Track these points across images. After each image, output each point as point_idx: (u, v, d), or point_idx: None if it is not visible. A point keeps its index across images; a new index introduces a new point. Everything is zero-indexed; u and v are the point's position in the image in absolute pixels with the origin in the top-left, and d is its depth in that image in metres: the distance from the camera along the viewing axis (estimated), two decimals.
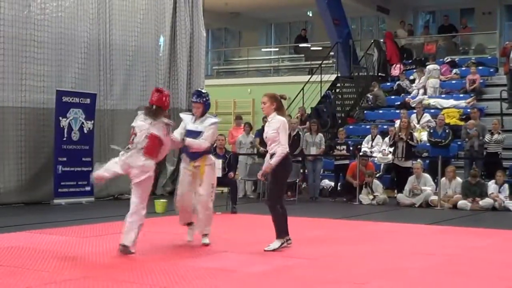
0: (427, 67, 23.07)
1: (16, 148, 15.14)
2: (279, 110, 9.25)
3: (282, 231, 9.28)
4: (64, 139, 15.51)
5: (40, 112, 15.61)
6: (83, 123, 15.86)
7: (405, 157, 17.16)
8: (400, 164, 17.32)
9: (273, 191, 9.36)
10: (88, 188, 15.93)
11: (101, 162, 9.22)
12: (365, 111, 23.16)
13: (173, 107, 18.57)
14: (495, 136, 17.18)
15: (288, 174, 9.48)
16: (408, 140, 17.11)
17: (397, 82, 23.69)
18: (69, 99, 15.60)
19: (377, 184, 16.82)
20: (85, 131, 15.93)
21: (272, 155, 9.16)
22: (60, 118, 15.46)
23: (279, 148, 9.07)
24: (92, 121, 16.07)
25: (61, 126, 15.48)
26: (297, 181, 17.26)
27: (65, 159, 15.52)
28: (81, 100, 15.85)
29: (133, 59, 17.63)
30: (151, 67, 18.10)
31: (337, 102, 24.50)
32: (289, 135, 17.91)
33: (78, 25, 16.31)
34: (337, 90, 24.99)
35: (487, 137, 17.28)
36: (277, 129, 9.07)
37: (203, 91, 9.73)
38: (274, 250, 9.06)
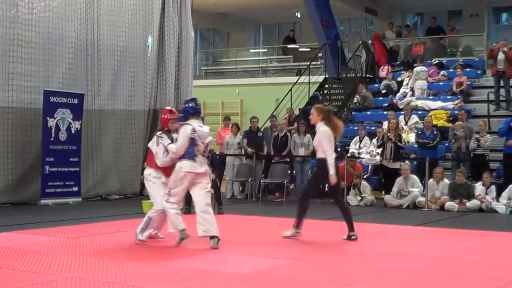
0: (415, 68, 23.11)
1: (3, 148, 15.08)
2: (326, 120, 10.63)
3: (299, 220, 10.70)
4: (52, 139, 15.45)
5: (27, 112, 15.55)
6: (70, 123, 15.80)
7: (393, 159, 17.18)
8: (388, 165, 17.34)
9: (307, 188, 11.56)
10: (75, 189, 15.89)
11: None
12: (353, 112, 23.19)
13: (161, 108, 18.56)
14: (481, 143, 17.17)
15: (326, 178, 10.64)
16: (396, 142, 17.13)
17: (384, 82, 23.71)
18: (56, 99, 15.54)
19: (365, 185, 16.84)
20: (73, 131, 15.88)
21: (317, 160, 10.68)
22: (48, 118, 15.40)
23: (328, 157, 10.34)
24: (80, 121, 16.02)
25: (49, 126, 15.42)
26: (285, 182, 17.26)
27: (52, 159, 15.46)
28: (69, 100, 15.80)
29: (121, 59, 17.59)
30: (139, 67, 18.05)
31: (325, 103, 24.47)
32: (277, 136, 18.09)
33: (66, 25, 16.26)
34: (325, 91, 25.03)
35: (472, 143, 17.21)
36: (318, 138, 10.51)
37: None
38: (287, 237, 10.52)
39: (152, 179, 9.87)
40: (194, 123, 9.43)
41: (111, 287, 6.85)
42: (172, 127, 9.89)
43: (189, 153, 9.30)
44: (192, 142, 9.30)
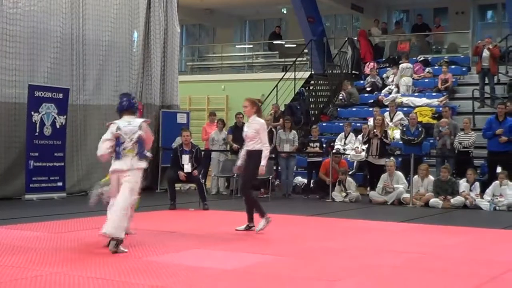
0: (400, 65, 23.18)
1: None
2: (258, 113, 10.93)
3: (262, 211, 10.74)
4: (36, 134, 15.39)
5: (12, 107, 15.47)
6: (55, 118, 15.74)
7: (378, 155, 17.23)
8: (374, 161, 17.39)
9: (248, 181, 11.04)
10: (60, 184, 15.86)
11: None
12: (338, 109, 23.22)
13: (146, 103, 18.56)
14: (465, 143, 17.21)
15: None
16: (382, 138, 17.17)
17: (370, 80, 23.76)
18: (41, 94, 15.48)
19: (350, 181, 16.88)
20: (58, 126, 15.82)
21: (249, 152, 10.75)
22: (32, 113, 15.33)
23: (264, 148, 10.71)
24: (65, 116, 15.96)
25: (33, 121, 15.35)
26: (270, 178, 17.27)
27: (37, 154, 15.40)
28: (54, 95, 15.74)
29: (107, 54, 17.53)
30: (125, 62, 18.00)
31: (310, 99, 24.55)
32: None
33: (51, 19, 16.19)
34: (311, 88, 25.06)
35: (457, 142, 17.27)
36: (257, 130, 10.69)
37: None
38: (262, 228, 10.65)
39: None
40: (122, 120, 9.05)
41: (95, 282, 6.83)
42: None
43: (116, 152, 8.97)
44: (118, 140, 8.94)
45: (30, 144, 15.32)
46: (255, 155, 10.69)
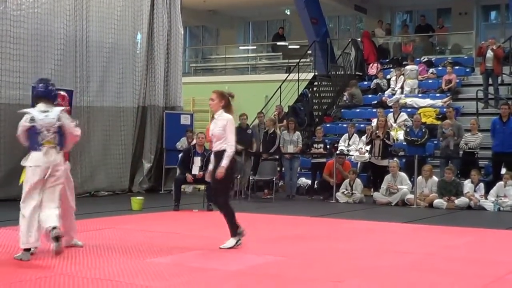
0: (406, 67, 23.18)
1: None
2: (227, 107, 9.32)
3: (236, 229, 9.19)
4: None
5: (16, 109, 15.37)
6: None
7: (381, 156, 17.22)
8: (377, 162, 17.38)
9: (223, 189, 9.29)
10: None
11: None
12: (342, 110, 23.22)
13: (150, 104, 18.58)
14: (471, 144, 17.22)
15: (235, 171, 9.45)
16: (384, 139, 17.17)
17: (375, 81, 23.77)
18: None
19: (358, 182, 16.81)
20: None
21: (217, 153, 9.16)
22: None
23: (228, 147, 9.07)
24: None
25: None
26: (274, 179, 17.29)
27: None
28: None
29: (110, 56, 17.54)
30: (128, 64, 18.02)
31: (314, 100, 24.55)
32: (266, 133, 18.09)
33: (54, 21, 16.20)
34: (315, 89, 25.05)
35: (463, 143, 17.27)
36: (223, 127, 9.12)
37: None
38: (229, 248, 9.03)
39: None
40: (36, 109, 8.34)
41: (100, 284, 6.83)
42: None
43: (32, 143, 8.33)
44: (33, 130, 8.24)
45: None
46: (222, 157, 9.08)
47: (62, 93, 9.47)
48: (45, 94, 8.46)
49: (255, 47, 33.23)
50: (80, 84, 16.83)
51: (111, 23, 17.56)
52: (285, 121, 19.43)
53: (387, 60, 25.92)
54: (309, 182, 18.67)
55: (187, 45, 33.05)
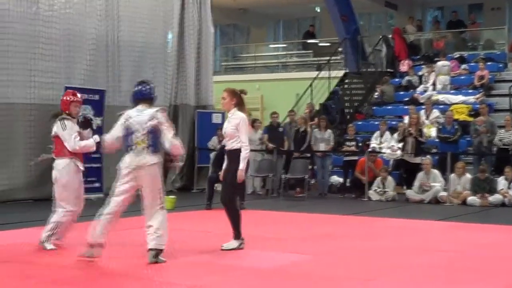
0: (437, 63, 23.02)
1: (25, 145, 15.17)
2: (240, 105, 9.11)
3: (239, 231, 9.01)
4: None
5: (48, 109, 15.53)
6: (91, 119, 15.85)
7: (414, 153, 17.11)
8: (409, 160, 17.28)
9: (232, 190, 9.11)
10: (97, 184, 15.97)
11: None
12: (373, 107, 23.12)
13: (181, 103, 18.65)
14: (506, 140, 17.06)
15: (246, 173, 9.28)
16: (417, 136, 17.06)
17: (406, 78, 23.63)
18: None
19: (390, 180, 16.72)
20: (94, 128, 15.92)
21: (230, 152, 9.02)
22: None
23: (242, 148, 8.91)
24: (101, 118, 16.07)
25: None
26: (306, 178, 17.26)
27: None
28: (90, 97, 15.85)
29: (141, 56, 17.64)
30: (159, 63, 18.10)
31: (345, 98, 24.45)
32: (297, 131, 18.06)
33: (86, 22, 16.33)
34: (346, 86, 24.94)
35: (497, 139, 17.13)
36: (236, 126, 8.94)
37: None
38: (231, 249, 8.88)
39: (67, 170, 8.99)
40: (134, 109, 8.32)
41: (135, 282, 6.87)
42: (74, 110, 9.04)
43: (126, 144, 8.17)
44: (128, 131, 8.14)
45: None
46: (234, 157, 8.91)
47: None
48: (144, 95, 8.42)
49: (285, 45, 33.19)
50: (111, 83, 16.93)
51: (142, 22, 17.65)
52: (316, 119, 19.38)
53: (418, 57, 25.74)
54: (341, 180, 18.62)
55: (218, 43, 33.07)
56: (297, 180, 17.82)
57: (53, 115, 9.15)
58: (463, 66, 23.51)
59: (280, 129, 18.29)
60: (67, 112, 8.96)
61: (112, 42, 16.98)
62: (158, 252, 7.88)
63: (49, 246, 8.64)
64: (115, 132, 8.23)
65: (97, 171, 16.04)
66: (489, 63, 22.95)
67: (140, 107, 8.31)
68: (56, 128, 8.87)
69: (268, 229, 10.96)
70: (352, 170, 17.87)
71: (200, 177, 18.22)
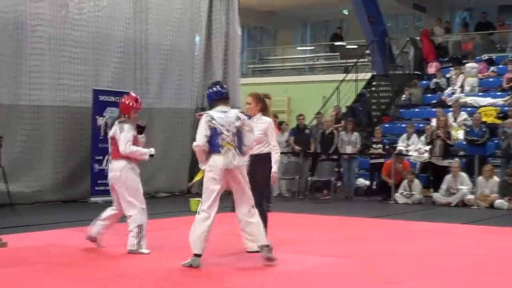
0: (466, 65, 22.89)
1: (54, 147, 15.32)
2: (264, 110, 9.19)
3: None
4: (101, 137, 15.61)
5: (77, 111, 15.77)
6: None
7: (442, 156, 17.03)
8: (437, 162, 17.20)
9: (262, 193, 9.02)
10: None
11: None
12: (400, 110, 23.04)
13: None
14: None
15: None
16: (445, 139, 16.98)
17: (434, 80, 23.52)
18: (105, 98, 15.72)
19: (416, 183, 16.65)
20: None
21: (256, 156, 8.96)
22: (97, 117, 15.59)
23: (273, 152, 9.00)
24: None
25: (98, 124, 15.60)
26: (332, 180, 17.25)
27: (101, 157, 15.62)
28: (117, 99, 15.84)
29: (169, 58, 17.72)
30: (187, 66, 18.17)
31: (372, 100, 24.40)
32: (323, 133, 18.06)
33: (114, 25, 16.44)
34: (373, 89, 24.90)
35: None
36: (264, 130, 9.00)
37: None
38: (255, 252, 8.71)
39: (127, 171, 8.91)
40: (214, 110, 8.13)
41: (160, 284, 6.92)
42: (133, 116, 9.03)
43: (214, 145, 7.94)
44: (214, 132, 7.94)
45: (95, 147, 15.57)
46: (263, 160, 9.00)
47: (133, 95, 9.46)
48: (222, 95, 8.30)
49: (313, 48, 33.19)
50: (139, 86, 17.02)
51: (169, 25, 17.74)
52: (343, 122, 19.36)
53: (446, 59, 25.62)
54: (368, 182, 18.59)
55: (245, 46, 33.13)
56: (323, 183, 17.82)
57: (114, 119, 9.19)
58: (492, 68, 23.37)
59: (307, 131, 18.30)
60: (126, 116, 9.00)
61: (140, 45, 17.09)
62: (270, 246, 8.03)
63: (145, 250, 8.69)
64: (204, 134, 7.98)
65: None
66: None
67: (221, 107, 8.16)
68: (114, 130, 8.90)
69: (295, 232, 10.96)
70: (378, 172, 17.83)
71: None
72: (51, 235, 10.13)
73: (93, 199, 15.37)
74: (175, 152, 17.80)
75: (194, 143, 8.05)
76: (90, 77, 15.95)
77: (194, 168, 18.11)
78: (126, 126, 8.85)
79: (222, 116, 8.03)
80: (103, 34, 16.21)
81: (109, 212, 9.19)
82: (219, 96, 8.27)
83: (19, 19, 14.75)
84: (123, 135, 8.80)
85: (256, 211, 8.18)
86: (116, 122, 8.96)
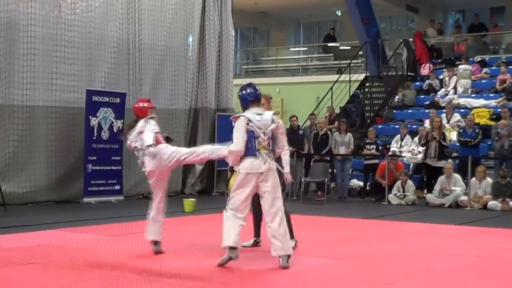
0: (459, 66, 22.92)
1: (47, 147, 15.29)
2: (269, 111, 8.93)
3: (292, 232, 9.03)
4: (94, 138, 15.61)
5: (70, 112, 15.74)
6: (112, 122, 15.95)
7: (437, 157, 17.04)
8: (432, 164, 17.21)
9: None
10: (117, 187, 16.06)
11: None
12: (394, 111, 23.07)
13: (202, 107, 18.70)
14: None
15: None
16: (440, 140, 17.00)
17: (427, 82, 23.56)
18: (99, 99, 15.70)
19: (410, 184, 16.68)
20: (115, 130, 16.01)
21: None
22: (90, 117, 15.57)
23: (287, 152, 8.93)
24: (122, 120, 16.14)
25: (91, 125, 15.58)
26: (325, 181, 17.24)
27: (94, 158, 15.63)
28: (111, 100, 15.95)
29: (162, 59, 17.71)
30: (180, 66, 18.17)
31: (366, 101, 24.44)
32: (317, 134, 18.07)
33: (107, 25, 16.42)
34: (366, 90, 24.94)
35: None
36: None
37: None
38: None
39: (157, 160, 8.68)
40: (250, 112, 8.04)
41: (153, 285, 6.90)
42: (151, 115, 8.97)
43: (249, 149, 7.86)
44: (251, 135, 7.87)
45: (88, 148, 15.55)
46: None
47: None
48: (256, 97, 8.23)
49: (306, 49, 33.19)
50: (133, 86, 17.01)
51: (163, 26, 17.73)
52: (336, 123, 19.37)
53: (439, 60, 25.66)
54: (361, 183, 18.59)
55: (238, 47, 33.15)
56: (317, 184, 17.82)
57: (129, 126, 9.08)
58: (485, 69, 23.42)
59: (300, 132, 18.29)
60: (152, 116, 8.94)
61: (133, 45, 17.07)
62: (289, 256, 7.87)
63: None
64: (242, 137, 7.90)
65: (117, 174, 16.12)
66: (511, 67, 22.83)
67: (255, 109, 8.11)
68: (139, 125, 8.80)
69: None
70: (372, 173, 17.85)
71: (220, 180, 18.24)
72: (44, 236, 10.10)
73: (86, 199, 15.36)
74: None
75: (231, 147, 7.97)
76: (83, 78, 15.92)
77: (187, 169, 18.12)
78: (153, 122, 8.82)
79: (258, 118, 7.98)
80: (96, 34, 16.18)
81: (152, 213, 8.96)
82: (254, 98, 8.21)
83: (12, 19, 14.71)
84: (148, 128, 8.70)
85: (283, 219, 7.98)
86: (141, 120, 8.83)
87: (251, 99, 8.18)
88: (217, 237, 9.61)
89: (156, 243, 8.78)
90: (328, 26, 32.37)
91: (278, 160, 8.70)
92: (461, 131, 18.31)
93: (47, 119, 15.29)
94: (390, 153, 18.00)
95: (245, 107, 8.21)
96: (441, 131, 17.23)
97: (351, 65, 24.50)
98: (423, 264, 8.41)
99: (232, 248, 7.83)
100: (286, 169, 8.83)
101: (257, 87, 8.38)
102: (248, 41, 36.05)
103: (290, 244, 8.81)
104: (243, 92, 8.25)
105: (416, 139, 18.50)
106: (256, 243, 9.47)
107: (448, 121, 19.82)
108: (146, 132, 8.65)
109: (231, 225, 7.87)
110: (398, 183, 16.69)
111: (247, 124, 7.89)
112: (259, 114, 8.05)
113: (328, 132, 18.36)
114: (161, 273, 7.48)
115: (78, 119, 15.69)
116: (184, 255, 8.64)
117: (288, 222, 8.75)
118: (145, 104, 9.15)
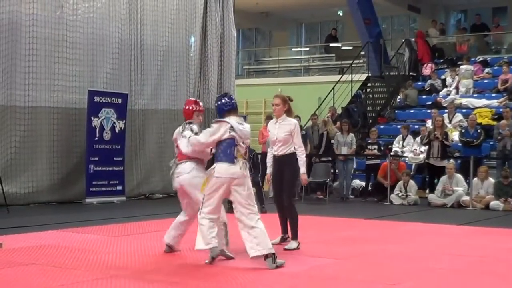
0: (461, 67, 22.91)
1: (49, 148, 15.29)
2: (288, 112, 9.42)
3: (297, 232, 9.38)
4: (96, 138, 15.62)
5: (72, 112, 15.74)
6: (114, 122, 15.95)
7: (440, 157, 17.03)
8: (435, 163, 17.20)
9: (292, 191, 9.31)
10: (119, 188, 16.05)
11: None
12: (396, 111, 23.06)
13: (204, 107, 18.67)
14: None
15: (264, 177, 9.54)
16: (443, 140, 16.98)
17: (429, 82, 23.55)
18: (100, 99, 15.70)
19: (412, 184, 16.66)
20: (117, 131, 16.02)
21: (281, 157, 9.30)
22: (92, 118, 15.57)
23: (300, 153, 9.24)
24: (124, 121, 16.15)
25: (93, 125, 15.58)
26: (327, 181, 17.23)
27: (96, 158, 15.63)
28: (113, 100, 15.95)
29: (164, 59, 17.71)
30: (182, 67, 18.17)
31: (367, 101, 24.43)
32: (321, 135, 18.06)
33: (109, 26, 16.43)
34: (368, 90, 24.93)
35: None
36: (290, 132, 9.26)
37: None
38: (293, 249, 9.19)
39: (195, 172, 8.67)
40: (232, 120, 8.10)
41: (154, 285, 6.91)
42: (197, 119, 8.90)
43: (227, 155, 7.96)
44: (231, 142, 7.98)
45: (90, 148, 15.56)
46: (290, 160, 9.29)
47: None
48: (232, 106, 8.26)
49: (307, 49, 33.18)
50: (135, 87, 17.03)
51: (165, 26, 17.74)
52: (338, 123, 19.36)
53: (441, 60, 25.65)
54: (363, 184, 18.59)
55: (240, 47, 33.17)
56: (319, 184, 17.81)
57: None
58: (487, 69, 23.41)
59: (303, 132, 18.25)
60: (190, 121, 8.89)
61: (135, 46, 17.08)
62: (273, 255, 7.88)
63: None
64: (217, 137, 8.04)
65: (119, 175, 16.13)
66: None
67: (236, 118, 8.18)
68: (178, 131, 8.82)
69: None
70: (374, 174, 17.84)
71: None
72: (46, 236, 10.10)
73: (88, 200, 15.36)
74: (170, 153, 17.66)
75: (201, 138, 8.17)
76: (85, 78, 15.93)
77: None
78: (194, 127, 8.76)
79: (241, 128, 8.08)
80: (98, 35, 16.19)
81: (180, 218, 8.99)
82: (230, 107, 8.25)
83: (14, 20, 14.71)
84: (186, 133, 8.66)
85: (258, 222, 8.02)
86: (182, 125, 8.84)
87: (227, 108, 8.23)
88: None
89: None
90: (330, 26, 32.37)
91: (289, 159, 9.09)
92: (463, 131, 18.30)
93: (49, 120, 15.30)
94: (392, 153, 17.99)
95: (221, 116, 8.26)
96: (443, 131, 17.22)
97: (353, 65, 24.48)
98: (425, 264, 8.41)
99: (212, 248, 7.98)
100: (302, 169, 9.17)
101: (232, 96, 8.48)
102: (250, 41, 36.06)
103: (293, 245, 8.90)
104: (219, 102, 8.30)
105: (418, 139, 18.51)
106: (284, 240, 9.64)
107: (450, 121, 19.81)
108: (180, 140, 8.69)
109: (206, 228, 7.98)
110: (400, 183, 16.69)
111: (229, 131, 7.99)
112: (240, 123, 8.14)
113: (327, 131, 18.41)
114: (162, 274, 7.48)
115: (80, 120, 15.70)
116: (185, 255, 8.63)
117: (295, 223, 9.19)
118: (191, 107, 9.04)
